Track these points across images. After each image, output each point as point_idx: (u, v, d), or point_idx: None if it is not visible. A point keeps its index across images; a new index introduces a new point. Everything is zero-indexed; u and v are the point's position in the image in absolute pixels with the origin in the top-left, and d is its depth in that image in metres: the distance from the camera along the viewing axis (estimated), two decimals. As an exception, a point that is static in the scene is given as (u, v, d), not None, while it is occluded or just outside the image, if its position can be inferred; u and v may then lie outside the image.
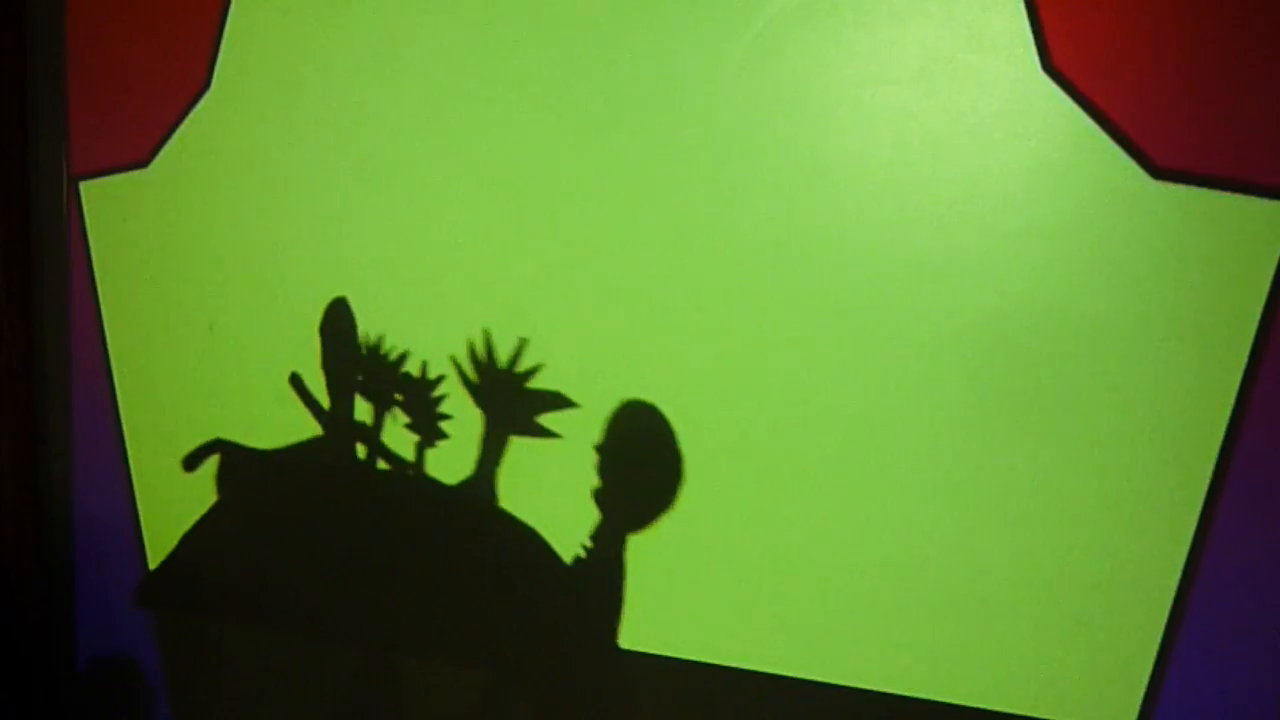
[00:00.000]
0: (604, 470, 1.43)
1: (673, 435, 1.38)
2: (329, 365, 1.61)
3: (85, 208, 1.82)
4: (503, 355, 1.47)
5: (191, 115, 1.69)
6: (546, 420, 1.45)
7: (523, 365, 1.46)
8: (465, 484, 1.53)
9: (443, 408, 1.53)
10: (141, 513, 1.84)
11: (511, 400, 1.47)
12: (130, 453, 1.84)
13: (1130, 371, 1.19)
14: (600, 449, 1.42)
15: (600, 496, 1.43)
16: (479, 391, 1.50)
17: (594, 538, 1.44)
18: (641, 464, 1.42)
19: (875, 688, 1.33)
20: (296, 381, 1.63)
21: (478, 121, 1.47)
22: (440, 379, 1.53)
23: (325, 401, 1.63)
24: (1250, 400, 1.15)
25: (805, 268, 1.30)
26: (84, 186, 1.82)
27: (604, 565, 1.43)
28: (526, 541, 1.49)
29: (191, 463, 1.75)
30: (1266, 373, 1.15)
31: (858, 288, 1.28)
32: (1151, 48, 1.15)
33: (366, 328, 1.58)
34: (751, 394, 1.35)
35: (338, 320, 1.59)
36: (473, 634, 1.56)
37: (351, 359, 1.58)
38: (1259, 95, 1.13)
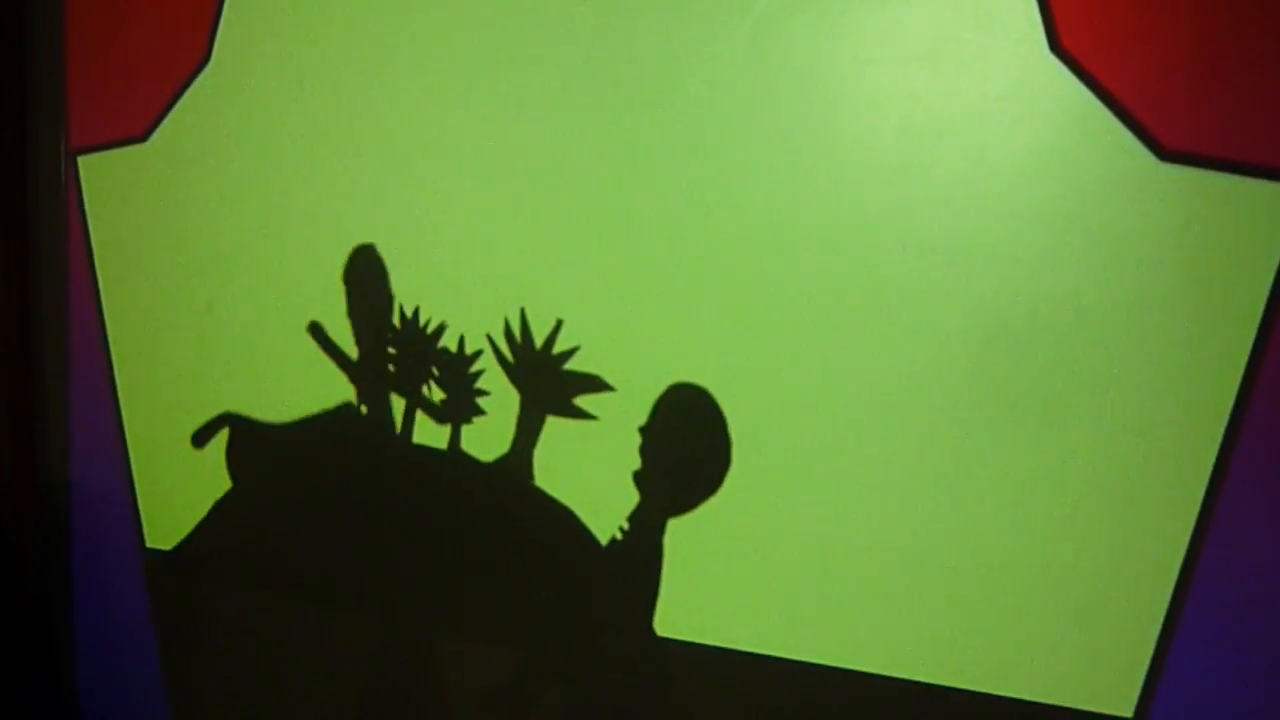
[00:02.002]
0: (646, 452, 1.41)
1: (722, 421, 1.36)
2: (356, 316, 1.59)
3: (83, 182, 1.81)
4: (539, 336, 1.46)
5: (191, 90, 1.68)
6: (583, 402, 1.45)
7: (559, 347, 1.45)
8: (501, 461, 1.52)
9: (479, 384, 1.52)
10: (139, 490, 1.84)
11: (548, 381, 1.46)
12: (128, 430, 1.84)
13: (1136, 353, 1.18)
14: (644, 431, 1.41)
15: (641, 479, 1.42)
16: (514, 371, 1.49)
17: (632, 519, 1.43)
18: (688, 447, 1.40)
19: (882, 672, 1.33)
20: (317, 331, 1.61)
21: (484, 97, 1.46)
22: (477, 355, 1.51)
23: (352, 352, 1.61)
24: (1255, 384, 1.15)
25: (810, 250, 1.30)
26: (82, 161, 1.81)
27: (641, 547, 1.42)
28: (562, 521, 1.48)
29: (201, 439, 1.74)
30: (1272, 356, 1.14)
31: (862, 268, 1.28)
32: (1160, 29, 1.14)
33: (369, 305, 1.58)
34: (756, 377, 1.35)
35: (366, 268, 1.56)
36: (504, 612, 1.56)
37: (382, 307, 1.56)
38: (1267, 77, 1.12)
